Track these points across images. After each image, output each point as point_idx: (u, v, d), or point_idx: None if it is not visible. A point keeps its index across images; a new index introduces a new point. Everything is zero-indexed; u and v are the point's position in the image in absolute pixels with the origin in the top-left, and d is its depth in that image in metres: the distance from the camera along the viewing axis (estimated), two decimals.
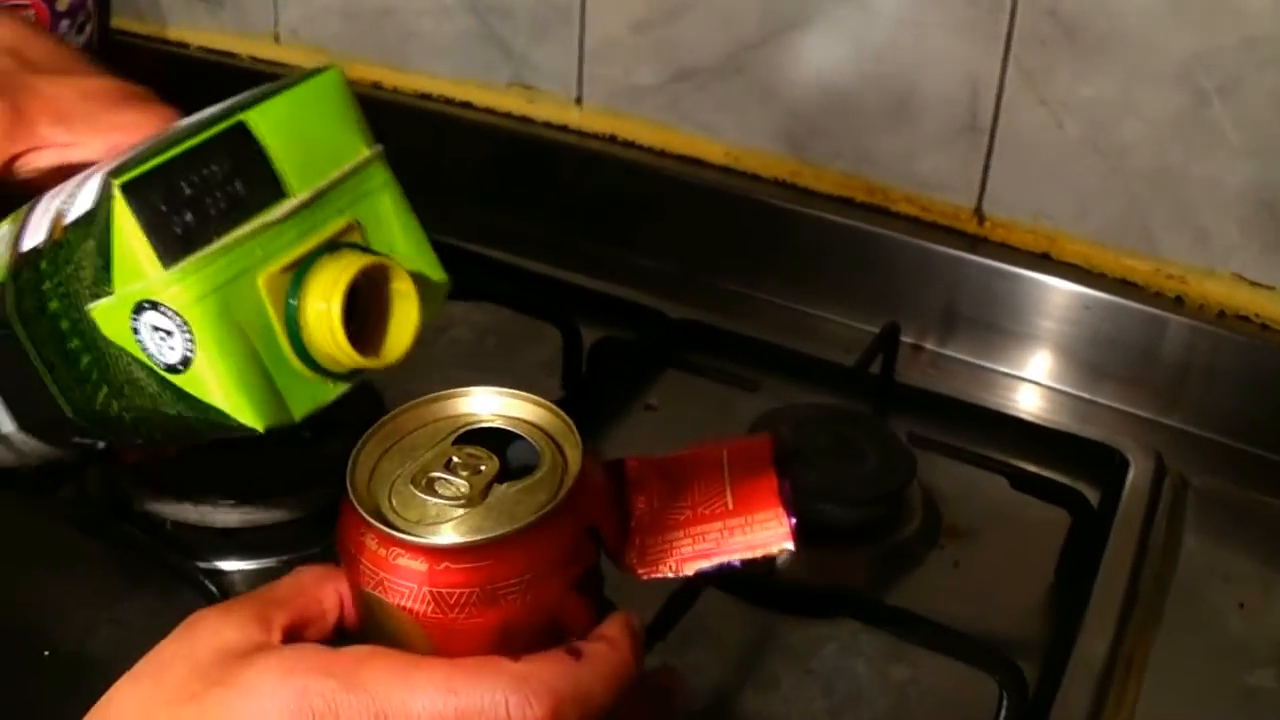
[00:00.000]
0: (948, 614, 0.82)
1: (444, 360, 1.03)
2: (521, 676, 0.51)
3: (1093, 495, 0.92)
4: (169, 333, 0.55)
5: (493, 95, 1.31)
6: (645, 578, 0.58)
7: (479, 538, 0.52)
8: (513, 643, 0.53)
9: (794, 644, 0.81)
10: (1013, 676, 0.73)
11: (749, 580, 0.81)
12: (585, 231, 1.24)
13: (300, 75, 0.61)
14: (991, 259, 1.10)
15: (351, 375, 0.60)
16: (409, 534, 0.52)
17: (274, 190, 0.58)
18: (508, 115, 1.31)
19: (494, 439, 0.57)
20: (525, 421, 0.58)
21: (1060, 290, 1.07)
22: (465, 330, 1.09)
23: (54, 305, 0.59)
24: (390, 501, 0.55)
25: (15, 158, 0.68)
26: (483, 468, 0.55)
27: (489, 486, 0.54)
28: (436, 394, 0.59)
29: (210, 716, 0.50)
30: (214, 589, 0.77)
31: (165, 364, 0.56)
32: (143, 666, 0.53)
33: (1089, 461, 0.96)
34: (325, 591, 0.57)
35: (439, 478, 0.55)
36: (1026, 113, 1.06)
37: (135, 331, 0.56)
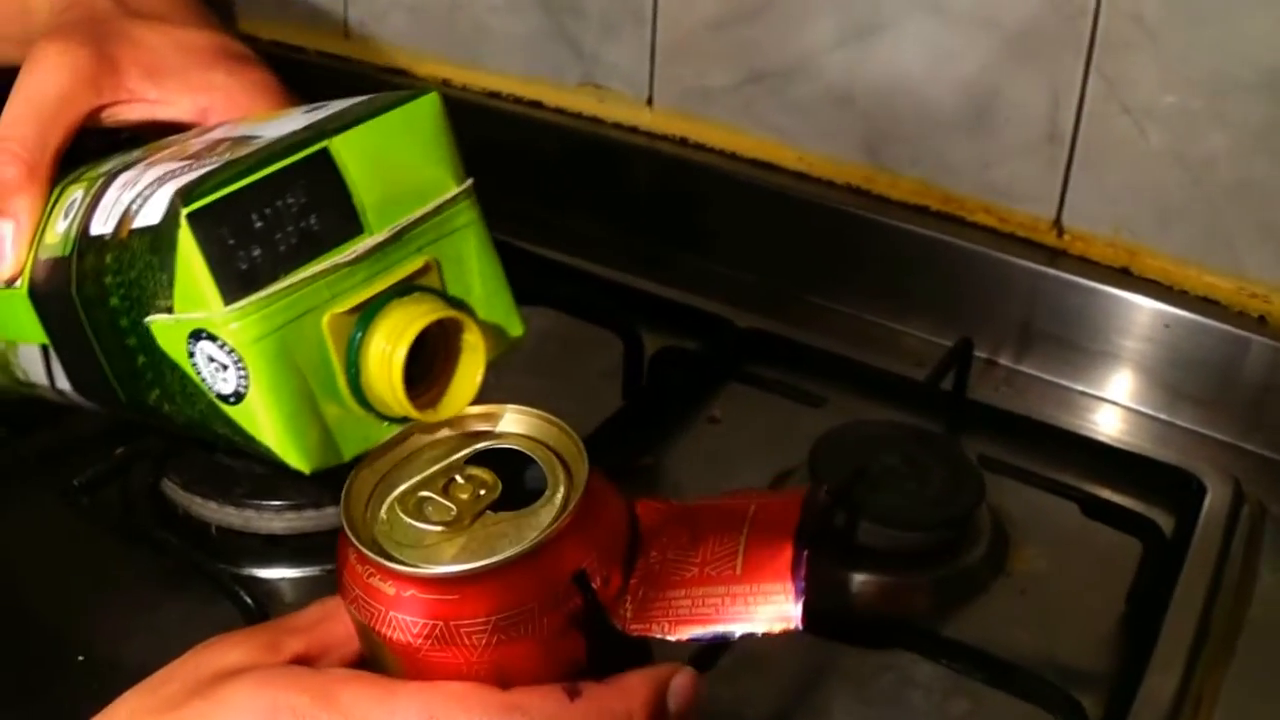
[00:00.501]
0: (1012, 644, 0.80)
1: (502, 365, 1.00)
2: (506, 706, 0.49)
3: (1168, 521, 0.88)
4: (224, 365, 0.53)
5: (563, 95, 1.29)
6: (634, 634, 0.54)
7: (448, 568, 0.50)
8: (497, 681, 0.51)
9: (849, 673, 0.78)
10: (1074, 713, 0.70)
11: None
12: (653, 235, 1.22)
13: (395, 98, 0.58)
14: (1070, 273, 1.07)
15: (402, 421, 0.57)
16: (379, 555, 0.51)
17: (351, 227, 0.55)
18: (578, 115, 1.29)
19: (510, 460, 0.55)
20: (546, 446, 0.56)
21: (1139, 307, 1.04)
22: (529, 336, 1.06)
23: (114, 301, 0.57)
24: (381, 523, 0.53)
25: (102, 108, 0.66)
26: (482, 492, 0.53)
27: (480, 514, 0.52)
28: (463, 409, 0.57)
29: None
30: (249, 599, 0.75)
31: (218, 393, 0.54)
32: (147, 680, 0.53)
33: (1165, 486, 0.92)
34: (348, 617, 0.55)
35: (430, 499, 0.53)
36: (1108, 122, 1.03)
37: (190, 355, 0.54)
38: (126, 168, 0.61)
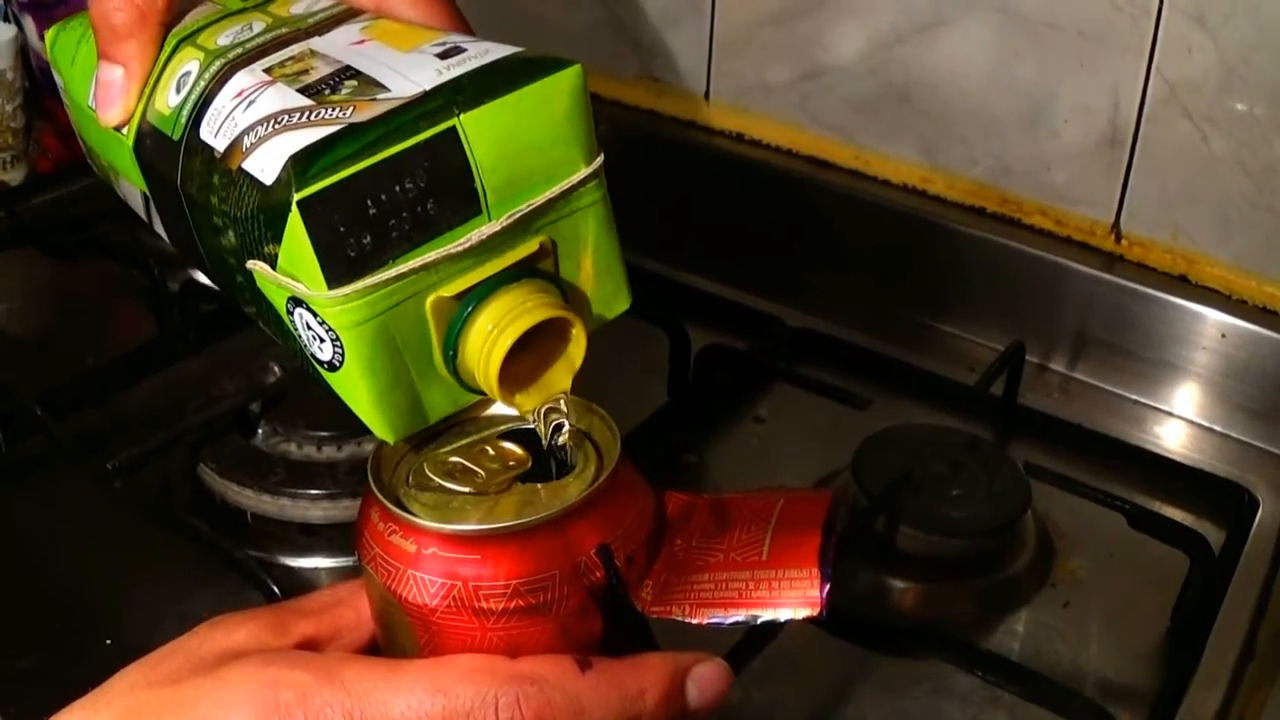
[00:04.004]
0: (1053, 656, 0.79)
1: None
2: (515, 676, 0.48)
3: (1219, 535, 0.87)
4: (322, 338, 0.52)
5: (620, 88, 1.28)
6: (654, 615, 0.53)
7: (472, 527, 0.50)
8: (511, 654, 0.50)
9: (884, 682, 0.77)
10: None
11: (837, 611, 0.77)
12: (706, 231, 1.21)
13: (535, 67, 0.53)
14: (1127, 279, 1.05)
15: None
16: (405, 511, 0.50)
17: (470, 211, 0.52)
18: (634, 109, 1.28)
19: (538, 440, 0.54)
20: (579, 430, 0.55)
21: (1197, 315, 1.02)
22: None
23: (218, 220, 0.55)
24: (407, 479, 0.53)
25: None
26: (511, 464, 0.53)
27: (512, 482, 0.52)
28: None
29: (183, 700, 0.49)
30: (276, 589, 0.75)
31: (314, 355, 0.53)
32: (153, 654, 0.52)
33: (1216, 499, 0.91)
34: (362, 601, 0.55)
35: (463, 465, 0.53)
36: (1169, 126, 1.01)
37: (290, 313, 0.53)
38: (246, 61, 0.57)
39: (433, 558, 0.50)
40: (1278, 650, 0.80)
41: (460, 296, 0.52)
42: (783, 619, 0.51)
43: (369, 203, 0.50)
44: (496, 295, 0.52)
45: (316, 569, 0.83)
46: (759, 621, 0.51)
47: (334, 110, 0.52)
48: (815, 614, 0.51)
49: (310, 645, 0.53)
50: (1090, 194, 1.07)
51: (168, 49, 0.61)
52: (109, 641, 0.76)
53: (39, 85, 1.23)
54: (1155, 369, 1.04)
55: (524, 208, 0.53)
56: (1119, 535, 0.85)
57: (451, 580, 0.50)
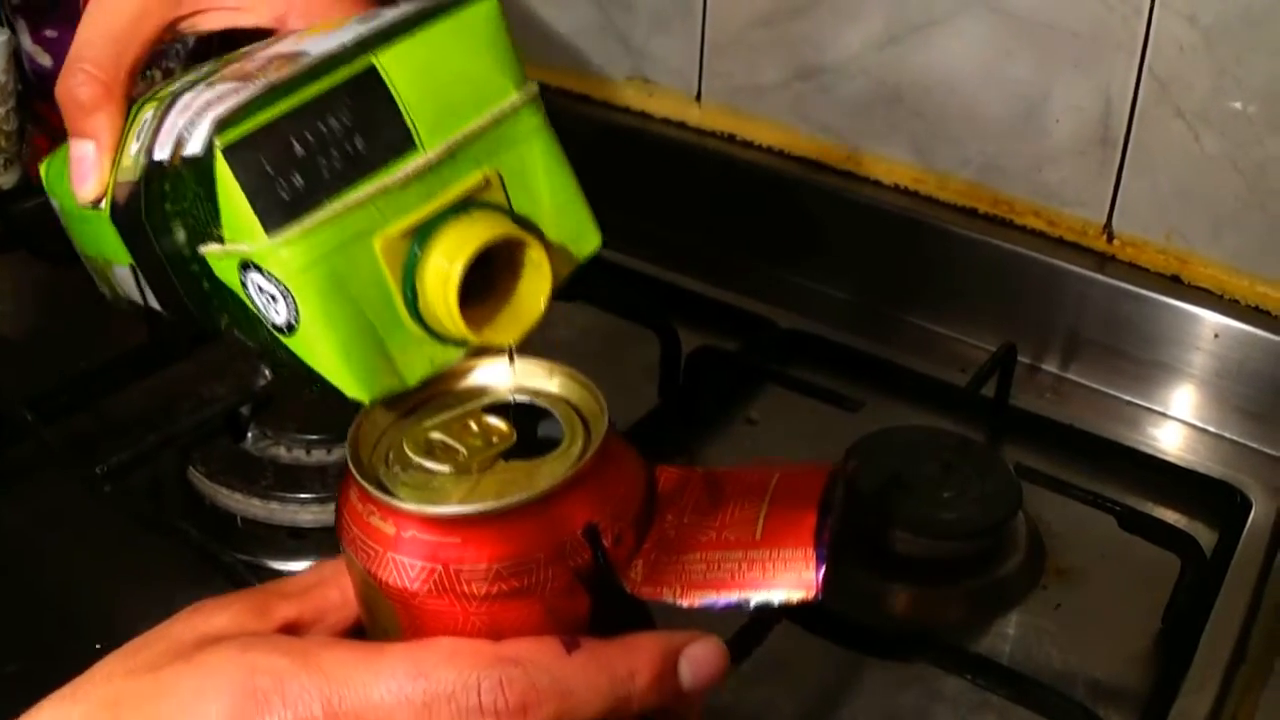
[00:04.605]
0: (1044, 659, 0.79)
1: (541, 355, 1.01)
2: (498, 658, 0.46)
3: (1211, 536, 0.87)
4: (274, 296, 0.51)
5: (611, 89, 1.28)
6: (643, 596, 0.50)
7: (452, 509, 0.48)
8: (496, 637, 0.48)
9: (874, 686, 0.77)
10: None
11: (828, 614, 0.77)
12: (697, 233, 1.20)
13: (447, 6, 0.54)
14: (1119, 279, 1.05)
15: (469, 343, 0.54)
16: (384, 493, 0.49)
17: (402, 144, 0.52)
18: (625, 110, 1.28)
19: (527, 414, 0.53)
20: (566, 402, 0.53)
21: (1189, 316, 1.02)
22: (566, 331, 1.05)
23: (175, 228, 0.55)
24: (388, 461, 0.51)
25: (179, 20, 0.65)
26: (495, 440, 0.51)
27: (495, 460, 0.50)
28: (475, 358, 0.54)
29: (162, 685, 0.48)
30: None
31: (273, 323, 0.52)
32: (133, 641, 0.51)
33: (1208, 500, 0.91)
34: (346, 581, 0.53)
35: (444, 442, 0.51)
36: (1162, 125, 1.01)
37: (244, 285, 0.52)
38: (191, 87, 0.58)
39: (412, 541, 0.48)
40: (1269, 652, 0.80)
41: (409, 235, 0.52)
42: (776, 601, 0.49)
43: (294, 144, 0.50)
44: (444, 227, 0.52)
45: (302, 573, 0.82)
46: (752, 605, 0.49)
47: (257, 81, 0.53)
48: (810, 597, 0.48)
49: (294, 627, 0.52)
50: (1082, 194, 1.07)
51: (132, 115, 0.62)
52: (98, 645, 0.74)
53: (32, 88, 1.22)
54: (1148, 369, 1.03)
55: (457, 135, 0.52)
56: (1110, 537, 0.85)
57: (432, 563, 0.48)
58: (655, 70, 1.25)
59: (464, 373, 0.55)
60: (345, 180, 0.51)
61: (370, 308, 0.52)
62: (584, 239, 0.58)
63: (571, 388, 0.54)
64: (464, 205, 0.53)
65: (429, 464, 0.50)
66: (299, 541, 0.83)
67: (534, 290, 0.53)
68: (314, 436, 0.86)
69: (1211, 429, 1.01)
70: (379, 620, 0.51)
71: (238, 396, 0.89)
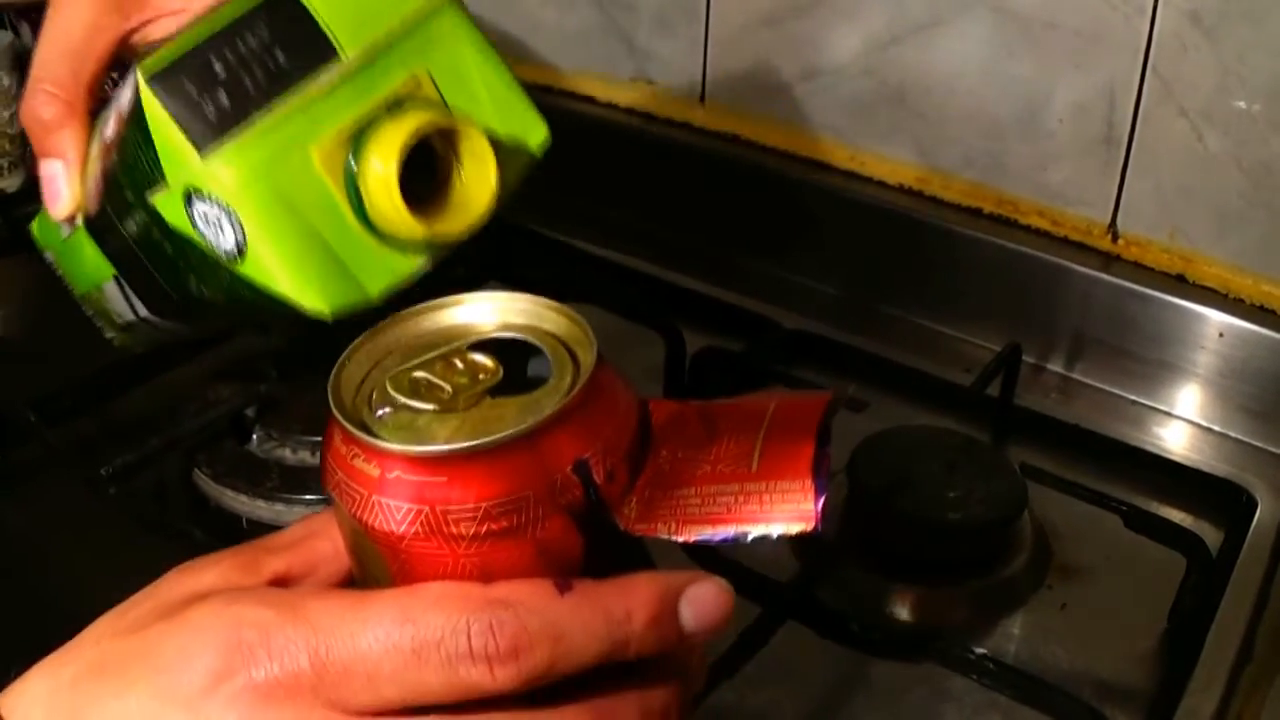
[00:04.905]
0: (1049, 658, 0.79)
1: None
2: (488, 602, 0.45)
3: (1217, 535, 0.87)
4: (220, 221, 0.52)
5: (615, 89, 1.28)
6: (638, 533, 0.48)
7: (436, 447, 0.46)
8: (487, 579, 0.46)
9: (879, 686, 0.77)
10: None
11: (831, 615, 0.77)
12: (702, 234, 1.20)
13: None
14: (1123, 279, 1.04)
15: (429, 249, 0.56)
16: (365, 433, 0.47)
17: (322, 53, 0.53)
18: (629, 110, 1.27)
19: (516, 351, 0.51)
20: (544, 331, 0.51)
21: (1194, 315, 1.01)
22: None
23: (130, 197, 0.56)
24: (371, 402, 0.49)
25: (132, 31, 0.65)
26: (481, 377, 0.49)
27: (481, 397, 0.49)
28: (457, 296, 0.53)
29: (148, 644, 0.47)
30: None
31: (224, 251, 0.53)
32: (122, 603, 0.51)
33: (1214, 500, 0.90)
34: (335, 533, 0.52)
35: (429, 380, 0.49)
36: (1165, 124, 1.01)
37: (192, 222, 0.53)
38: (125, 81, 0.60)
39: (397, 481, 0.46)
40: (1275, 651, 0.80)
41: (344, 142, 0.52)
42: (774, 534, 0.47)
43: (216, 66, 0.52)
44: (377, 128, 0.52)
45: None
46: (749, 538, 0.47)
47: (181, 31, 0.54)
48: (808, 528, 0.47)
49: (283, 581, 0.51)
50: (1087, 193, 1.07)
51: (94, 129, 0.63)
52: None
53: None
54: (1152, 369, 1.03)
55: (378, 38, 0.54)
56: (1116, 536, 0.84)
57: (419, 504, 0.46)
58: (659, 71, 1.25)
59: (447, 310, 0.53)
60: (271, 94, 0.52)
61: (320, 220, 0.53)
62: (530, 132, 0.59)
63: (559, 322, 0.52)
64: (396, 105, 0.54)
65: (413, 403, 0.49)
66: None
67: (480, 180, 0.54)
68: (319, 438, 0.86)
69: (1216, 428, 1.01)
70: (368, 567, 0.50)
71: (242, 398, 0.89)
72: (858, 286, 1.15)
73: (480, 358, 0.50)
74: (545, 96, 1.30)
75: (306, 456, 0.86)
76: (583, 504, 0.48)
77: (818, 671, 0.77)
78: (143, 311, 0.65)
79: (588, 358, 0.50)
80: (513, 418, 0.47)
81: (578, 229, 1.16)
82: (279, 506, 0.83)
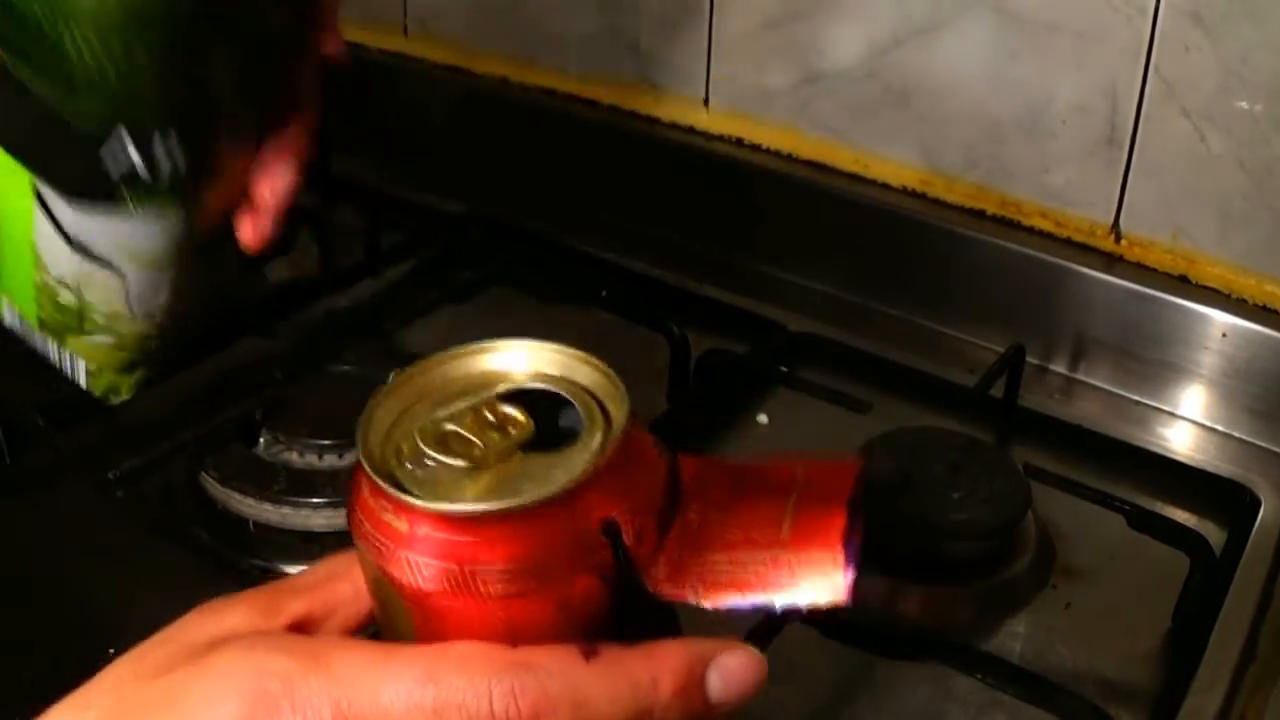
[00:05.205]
0: (1054, 658, 0.79)
1: None
2: (511, 665, 0.45)
3: (1220, 535, 0.87)
4: None
5: (618, 93, 1.28)
6: (667, 598, 0.49)
7: (468, 507, 0.46)
8: (512, 640, 0.46)
9: (884, 685, 0.77)
10: None
11: (835, 615, 0.77)
12: (706, 236, 1.21)
13: None
14: (1126, 280, 1.05)
15: None
16: (396, 488, 0.47)
17: None
18: (633, 114, 1.28)
19: (545, 402, 0.51)
20: (576, 384, 0.51)
21: (1197, 315, 1.01)
22: (573, 335, 1.05)
23: None
24: (401, 454, 0.49)
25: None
26: (513, 431, 0.49)
27: (512, 452, 0.48)
28: (489, 343, 0.53)
29: (170, 691, 0.47)
30: None
31: None
32: (142, 644, 0.50)
33: (1218, 499, 0.90)
34: (358, 573, 0.52)
35: (458, 434, 0.49)
36: (1168, 125, 1.01)
37: None
38: None
39: (427, 539, 0.46)
40: (1279, 650, 0.80)
41: None
42: (803, 604, 0.47)
43: None
44: None
45: None
46: (778, 607, 0.47)
47: None
48: (839, 601, 0.47)
49: (305, 623, 0.51)
50: (1089, 195, 1.07)
51: None
52: (111, 651, 0.75)
53: None
54: (1156, 369, 1.03)
55: None
56: (1119, 536, 0.85)
57: (447, 562, 0.46)
58: (662, 75, 1.25)
59: (478, 357, 0.53)
60: None
61: None
62: None
63: (591, 375, 0.52)
64: None
65: (443, 457, 0.49)
66: (312, 546, 0.83)
67: None
68: (326, 441, 0.87)
69: (1220, 428, 1.01)
70: (392, 617, 0.50)
71: (250, 402, 0.90)
72: (861, 288, 1.15)
73: (511, 410, 0.50)
74: (549, 100, 1.31)
75: (314, 460, 0.86)
76: (612, 565, 0.48)
77: (822, 671, 0.77)
78: (67, 218, 0.67)
79: (620, 414, 0.50)
80: (544, 476, 0.47)
81: (581, 232, 1.17)
82: (286, 509, 0.83)
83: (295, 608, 0.51)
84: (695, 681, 0.47)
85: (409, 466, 0.49)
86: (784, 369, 1.02)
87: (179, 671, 0.48)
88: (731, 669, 0.48)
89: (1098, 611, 0.83)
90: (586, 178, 1.26)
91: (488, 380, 0.52)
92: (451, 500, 0.47)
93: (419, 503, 0.47)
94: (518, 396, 0.51)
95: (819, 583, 0.47)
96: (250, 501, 0.84)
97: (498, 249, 1.15)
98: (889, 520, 0.83)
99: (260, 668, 0.46)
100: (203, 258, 0.84)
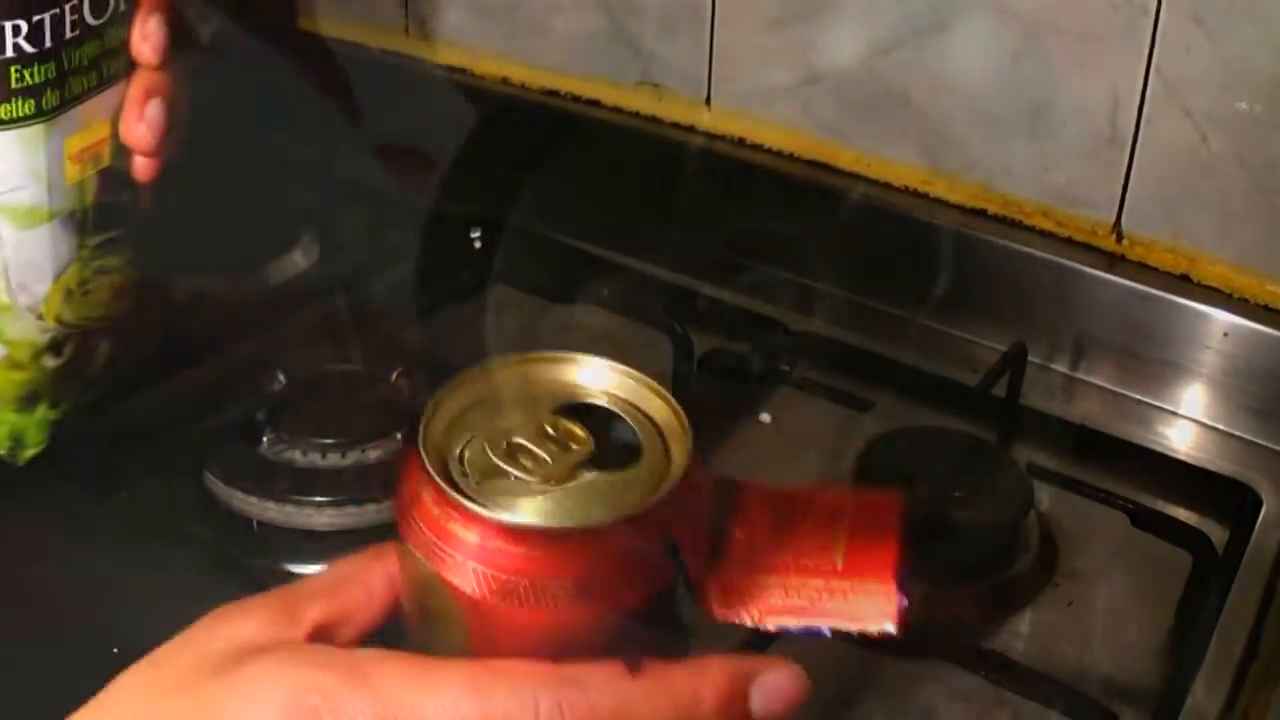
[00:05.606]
0: (1056, 656, 0.79)
1: None
2: (557, 680, 0.46)
3: (1222, 534, 0.87)
4: None
5: (621, 94, 1.28)
6: (721, 619, 0.50)
7: (544, 524, 0.47)
8: (563, 653, 0.47)
9: (889, 683, 0.77)
10: None
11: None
12: (708, 236, 1.21)
13: None
14: (1128, 279, 1.05)
15: None
16: (469, 499, 0.48)
17: None
18: (635, 114, 1.28)
19: (599, 418, 0.52)
20: (637, 408, 0.53)
21: (1199, 314, 1.01)
22: (577, 334, 1.06)
23: None
24: (462, 459, 0.50)
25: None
26: (575, 446, 0.50)
27: (576, 469, 0.49)
28: (548, 354, 0.54)
29: (202, 706, 0.47)
30: None
31: None
32: (155, 654, 0.51)
33: (1220, 498, 0.91)
34: (372, 576, 0.53)
35: (523, 446, 0.50)
36: (1169, 125, 1.01)
37: None
38: None
39: (495, 551, 0.47)
40: None
41: None
42: (856, 631, 0.50)
43: None
44: None
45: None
46: (827, 633, 0.50)
47: None
48: (892, 630, 0.49)
49: (322, 629, 0.51)
50: (1091, 194, 1.07)
51: None
52: (115, 650, 0.76)
53: None
54: (1157, 369, 1.03)
55: None
56: (1122, 535, 0.85)
57: (514, 575, 0.47)
58: (665, 75, 1.25)
59: (539, 370, 0.54)
60: None
61: None
62: None
63: (639, 390, 0.53)
64: None
65: (511, 470, 0.49)
66: (316, 545, 0.83)
67: None
68: (330, 440, 0.87)
69: (1221, 427, 1.01)
70: (440, 624, 0.50)
71: (253, 401, 0.90)
72: (863, 288, 1.15)
73: (571, 425, 0.51)
74: (551, 100, 1.31)
75: (317, 459, 0.86)
76: (669, 584, 0.49)
77: (827, 669, 0.77)
78: None
79: (681, 437, 0.51)
80: (611, 495, 0.49)
81: (584, 231, 1.17)
82: (290, 509, 0.83)
83: (313, 614, 0.51)
84: (738, 697, 0.48)
85: (474, 475, 0.49)
86: (786, 368, 1.02)
87: (208, 685, 0.47)
88: (774, 685, 0.49)
89: (1100, 610, 0.83)
90: (588, 177, 1.26)
91: (547, 392, 0.53)
92: (524, 515, 0.48)
93: (493, 515, 0.47)
94: (575, 410, 0.52)
95: (872, 612, 0.50)
96: (253, 500, 0.84)
97: (499, 249, 1.15)
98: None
99: (299, 682, 0.46)
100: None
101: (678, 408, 0.53)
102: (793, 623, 0.50)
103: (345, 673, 0.46)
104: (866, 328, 1.09)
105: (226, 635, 0.50)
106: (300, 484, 0.84)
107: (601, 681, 0.46)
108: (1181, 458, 0.94)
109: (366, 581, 0.53)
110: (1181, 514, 0.89)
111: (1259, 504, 0.89)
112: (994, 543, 0.85)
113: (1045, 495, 0.87)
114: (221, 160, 0.85)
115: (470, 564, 0.48)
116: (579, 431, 0.51)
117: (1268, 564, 0.84)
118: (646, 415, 0.53)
